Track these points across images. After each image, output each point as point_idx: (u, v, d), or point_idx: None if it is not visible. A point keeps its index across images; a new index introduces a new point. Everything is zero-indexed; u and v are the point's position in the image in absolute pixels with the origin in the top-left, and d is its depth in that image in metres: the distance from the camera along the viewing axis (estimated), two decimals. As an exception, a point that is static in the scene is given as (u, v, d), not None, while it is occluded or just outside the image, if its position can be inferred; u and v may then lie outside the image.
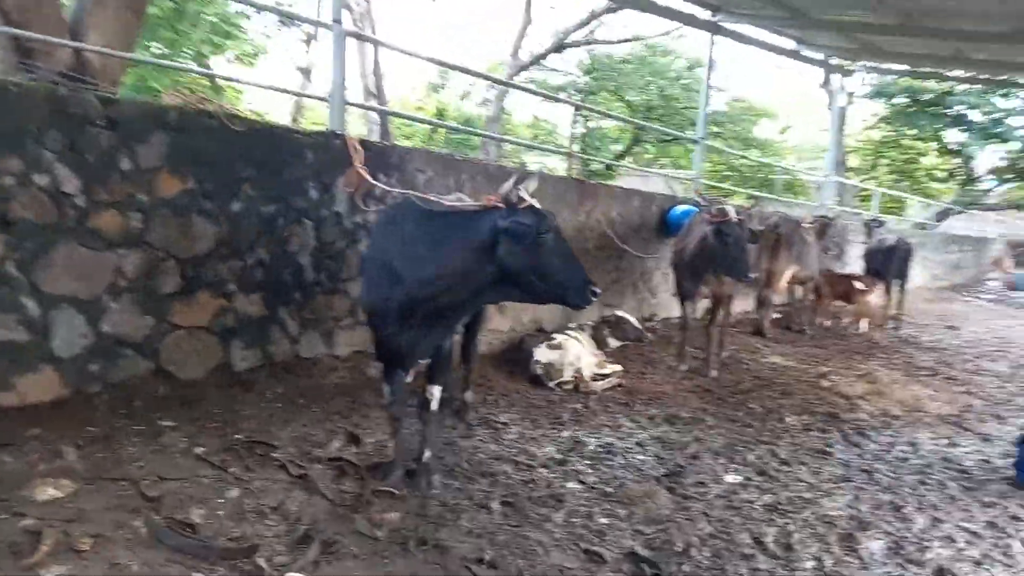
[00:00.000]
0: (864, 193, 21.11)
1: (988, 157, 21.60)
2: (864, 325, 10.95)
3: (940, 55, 9.76)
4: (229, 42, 13.65)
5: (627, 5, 8.59)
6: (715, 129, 23.46)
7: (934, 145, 22.46)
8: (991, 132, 19.91)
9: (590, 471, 4.74)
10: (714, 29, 9.55)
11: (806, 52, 11.41)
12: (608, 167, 19.50)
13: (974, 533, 4.35)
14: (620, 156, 22.18)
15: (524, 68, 19.85)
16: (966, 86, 19.18)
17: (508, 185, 3.57)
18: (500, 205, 3.56)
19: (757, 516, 4.30)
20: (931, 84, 19.84)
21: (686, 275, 7.10)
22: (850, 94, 23.12)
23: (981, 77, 11.23)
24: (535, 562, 3.50)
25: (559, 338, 6.71)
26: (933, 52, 9.76)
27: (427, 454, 4.29)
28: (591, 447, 5.17)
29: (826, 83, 22.48)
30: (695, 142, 10.22)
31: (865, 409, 6.92)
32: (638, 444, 5.36)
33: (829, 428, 6.23)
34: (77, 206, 4.27)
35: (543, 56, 20.07)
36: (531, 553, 3.58)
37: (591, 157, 15.38)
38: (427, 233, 3.79)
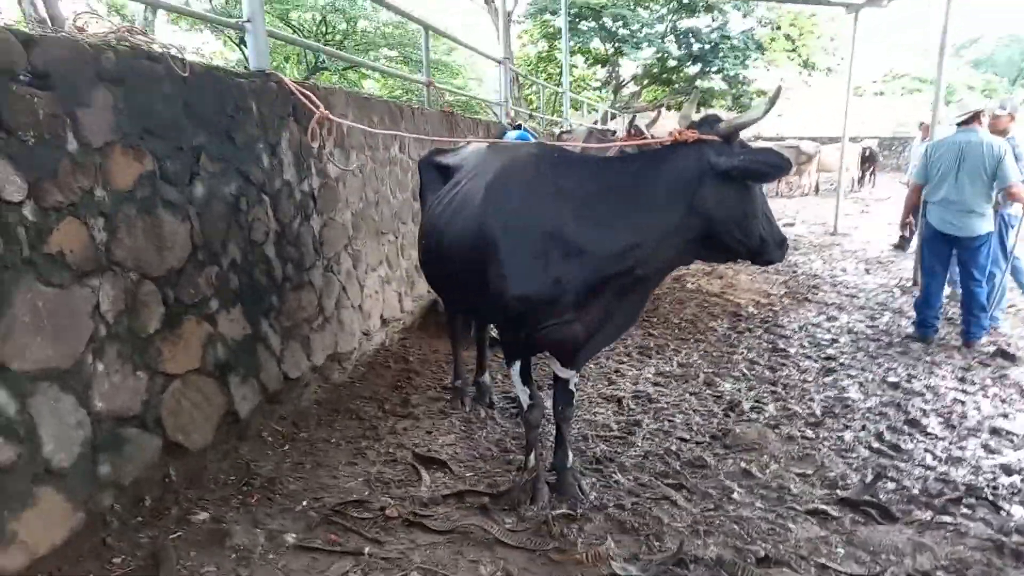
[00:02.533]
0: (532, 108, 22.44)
1: (630, 65, 24.59)
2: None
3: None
4: None
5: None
6: (389, 52, 22.84)
7: (582, 58, 24.69)
8: (636, 42, 22.53)
9: (667, 425, 4.44)
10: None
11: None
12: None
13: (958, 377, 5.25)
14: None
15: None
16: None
17: (726, 116, 2.93)
18: (709, 137, 2.82)
19: (834, 422, 4.49)
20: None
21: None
22: (509, 13, 24.21)
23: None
24: (784, 539, 3.18)
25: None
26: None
27: (571, 458, 3.59)
28: (628, 399, 4.83)
29: (490, 1, 23.17)
30: (499, 62, 9.73)
31: (741, 302, 7.58)
32: (655, 385, 5.16)
33: (751, 327, 6.70)
34: (27, 221, 2.56)
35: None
36: (774, 531, 3.25)
37: (447, 88, 13.59)
38: (607, 186, 2.97)
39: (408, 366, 5.24)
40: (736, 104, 25.31)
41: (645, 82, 25.16)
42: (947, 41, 7.89)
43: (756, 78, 25.56)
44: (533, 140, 8.32)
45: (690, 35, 22.96)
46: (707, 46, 22.76)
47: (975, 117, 5.69)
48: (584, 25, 22.89)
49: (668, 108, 27.20)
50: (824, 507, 3.44)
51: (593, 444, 4.11)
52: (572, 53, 25.60)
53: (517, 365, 3.31)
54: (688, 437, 4.24)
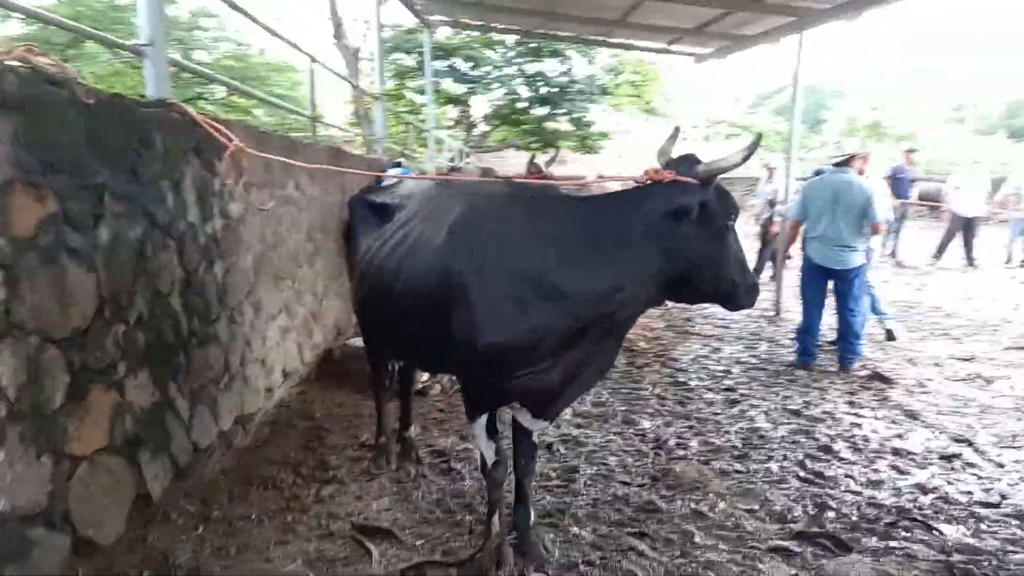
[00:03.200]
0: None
1: (481, 105, 24.89)
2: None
3: (539, 10, 10.65)
4: None
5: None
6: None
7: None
8: (487, 83, 22.88)
9: (604, 469, 4.32)
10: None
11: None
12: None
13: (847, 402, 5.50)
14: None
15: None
16: (471, 38, 21.59)
17: (704, 157, 2.85)
18: (685, 180, 2.70)
19: (756, 454, 4.59)
20: (439, 39, 21.68)
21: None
22: (356, 49, 23.85)
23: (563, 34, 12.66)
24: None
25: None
26: (533, 7, 10.56)
27: (533, 515, 3.38)
28: (556, 444, 4.68)
29: (339, 37, 22.73)
30: (376, 98, 9.42)
31: (631, 336, 7.68)
32: (577, 427, 5.06)
33: (648, 361, 6.82)
34: (-86, 279, 2.03)
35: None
36: (747, 574, 3.22)
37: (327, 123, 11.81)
38: (584, 227, 2.82)
39: (315, 423, 4.80)
40: (582, 145, 26.30)
41: (496, 122, 25.59)
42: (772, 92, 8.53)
43: (596, 120, 26.72)
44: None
45: (538, 78, 23.64)
46: (555, 89, 23.53)
47: (850, 159, 6.17)
48: (437, 65, 22.95)
49: (517, 148, 27.91)
50: (784, 543, 3.45)
51: (539, 495, 3.91)
52: (424, 92, 25.68)
53: (483, 419, 3.07)
54: (629, 480, 4.15)
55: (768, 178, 11.94)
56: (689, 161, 2.81)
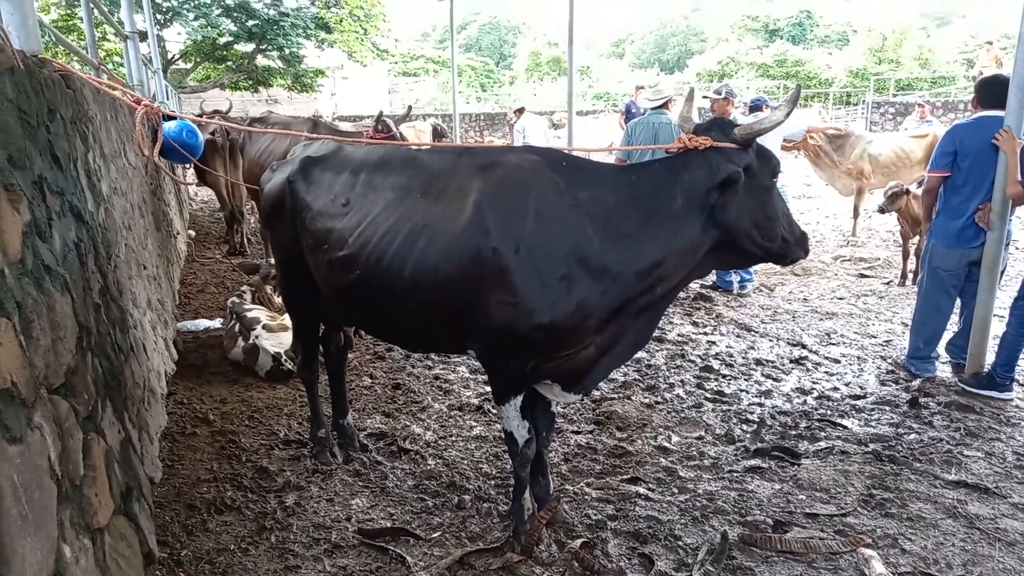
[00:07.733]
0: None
1: (177, 41, 21.94)
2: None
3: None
4: None
5: None
6: None
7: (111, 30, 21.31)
8: (177, 14, 20.13)
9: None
10: None
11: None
12: None
13: (691, 322, 6.11)
14: None
15: None
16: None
17: (738, 116, 2.92)
18: (724, 145, 2.72)
19: (660, 383, 5.01)
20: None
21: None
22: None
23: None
24: (760, 501, 3.51)
25: (262, 316, 5.16)
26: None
27: (552, 485, 3.36)
28: (487, 406, 4.64)
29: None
30: (126, 38, 7.85)
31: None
32: (486, 384, 5.05)
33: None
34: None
35: None
36: (744, 497, 3.56)
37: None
38: (625, 198, 2.77)
39: (215, 427, 4.17)
40: (296, 83, 24.80)
41: (196, 60, 23.01)
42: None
43: (307, 56, 25.21)
44: (200, 133, 7.16)
45: (242, 11, 21.56)
46: (263, 23, 21.71)
47: (667, 102, 6.68)
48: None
49: (223, 88, 25.42)
50: (752, 462, 3.82)
51: (507, 461, 3.87)
52: (98, 24, 22.12)
53: (518, 399, 2.95)
54: (578, 428, 4.27)
55: (517, 117, 12.46)
56: (721, 125, 2.84)
